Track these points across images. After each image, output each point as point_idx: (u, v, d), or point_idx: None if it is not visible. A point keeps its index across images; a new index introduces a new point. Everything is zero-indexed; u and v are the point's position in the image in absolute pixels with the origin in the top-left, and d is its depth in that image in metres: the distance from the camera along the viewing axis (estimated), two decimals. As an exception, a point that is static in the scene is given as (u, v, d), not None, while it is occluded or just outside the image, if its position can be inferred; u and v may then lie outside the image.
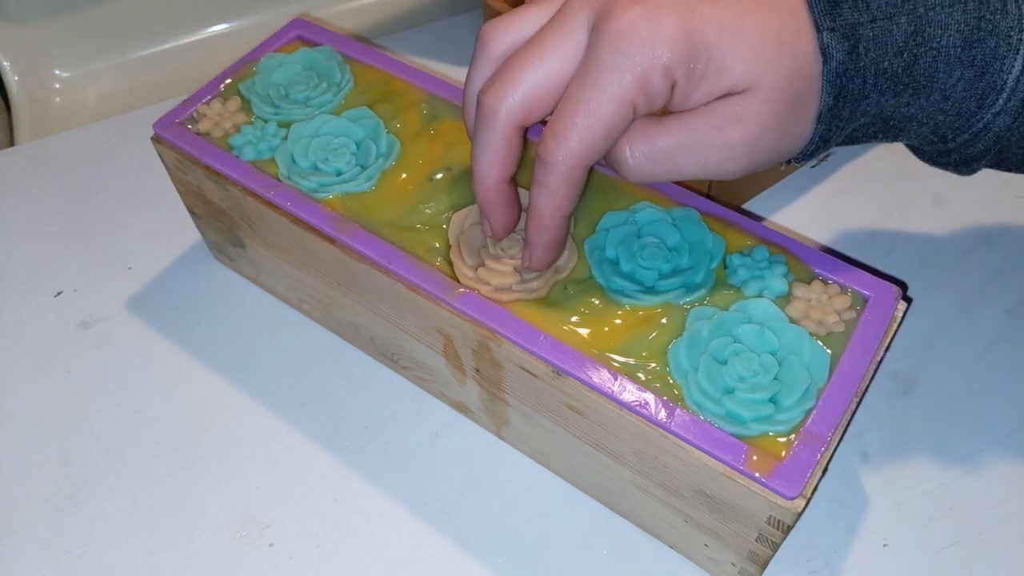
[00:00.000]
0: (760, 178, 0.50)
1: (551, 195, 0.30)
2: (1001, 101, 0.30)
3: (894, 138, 0.32)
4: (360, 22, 0.69)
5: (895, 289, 0.34)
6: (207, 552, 0.38)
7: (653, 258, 0.34)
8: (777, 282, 0.34)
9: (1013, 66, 0.29)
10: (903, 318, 0.34)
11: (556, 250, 0.33)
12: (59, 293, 0.49)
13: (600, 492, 0.38)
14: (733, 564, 0.35)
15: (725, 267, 0.35)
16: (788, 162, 0.31)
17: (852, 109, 0.30)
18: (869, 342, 0.32)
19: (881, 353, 0.33)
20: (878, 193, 0.51)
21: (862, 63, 0.28)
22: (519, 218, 0.34)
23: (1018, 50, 0.29)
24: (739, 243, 0.36)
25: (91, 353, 0.46)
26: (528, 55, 0.30)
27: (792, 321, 0.33)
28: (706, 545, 0.35)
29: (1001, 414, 0.42)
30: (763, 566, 0.34)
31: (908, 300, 0.46)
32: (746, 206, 0.51)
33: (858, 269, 0.34)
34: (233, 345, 0.45)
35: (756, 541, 0.32)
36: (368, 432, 0.42)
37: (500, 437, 0.41)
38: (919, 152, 0.34)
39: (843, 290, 0.34)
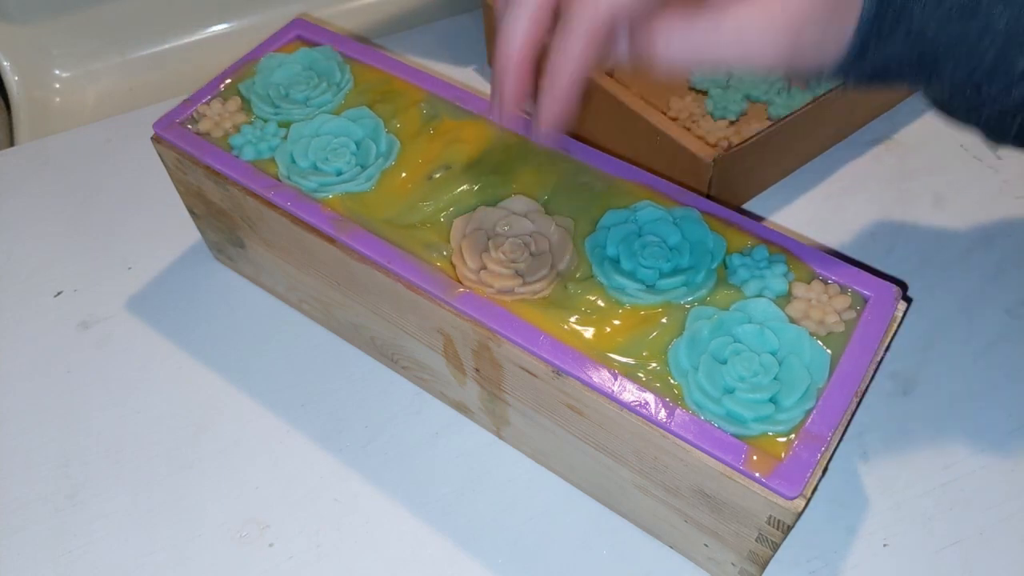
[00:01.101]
0: (761, 178, 0.50)
1: (572, 53, 0.29)
2: None
3: (927, 78, 0.31)
4: (360, 22, 0.69)
5: (895, 289, 0.34)
6: (207, 552, 0.38)
7: (654, 257, 0.34)
8: (777, 282, 0.34)
9: None
10: (903, 318, 0.34)
11: (564, 112, 0.31)
12: (59, 293, 0.49)
13: (600, 492, 0.38)
14: (733, 564, 0.35)
15: (725, 267, 0.35)
16: (827, 77, 0.30)
17: (894, 20, 0.29)
18: (869, 342, 0.32)
19: (881, 353, 0.33)
20: (878, 193, 0.51)
21: None
22: (527, 96, 0.32)
23: None
24: (739, 243, 0.36)
25: (91, 353, 0.46)
26: None
27: (792, 321, 0.33)
28: (706, 545, 0.35)
29: (1001, 414, 0.42)
30: (763, 566, 0.34)
31: (908, 300, 0.46)
32: (746, 206, 0.51)
33: (858, 269, 0.34)
34: (233, 345, 0.45)
35: (756, 541, 0.32)
36: (368, 432, 0.42)
37: (500, 437, 0.41)
38: (949, 107, 0.33)
39: (843, 290, 0.34)
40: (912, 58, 0.30)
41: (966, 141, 0.53)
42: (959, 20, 0.29)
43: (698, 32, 0.28)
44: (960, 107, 0.33)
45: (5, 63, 0.65)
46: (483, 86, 0.58)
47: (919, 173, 0.52)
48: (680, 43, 0.28)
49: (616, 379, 0.32)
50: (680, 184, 0.38)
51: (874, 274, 0.34)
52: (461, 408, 0.42)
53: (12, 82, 0.65)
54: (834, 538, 0.38)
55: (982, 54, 0.30)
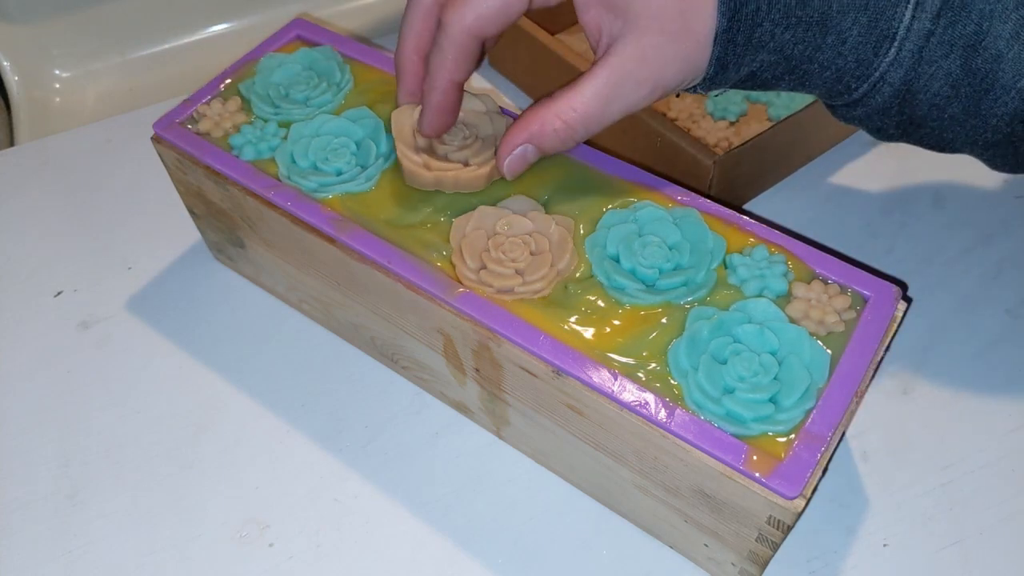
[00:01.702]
0: (761, 178, 0.50)
1: (443, 57, 0.34)
2: (894, 50, 0.31)
3: (801, 84, 0.34)
4: (360, 22, 0.69)
5: (895, 289, 0.34)
6: (207, 552, 0.38)
7: (654, 257, 0.34)
8: (777, 282, 0.34)
9: (904, 14, 0.31)
10: (903, 318, 0.34)
11: (445, 117, 0.37)
12: (59, 293, 0.49)
13: (600, 492, 0.38)
14: (733, 564, 0.35)
15: (725, 267, 0.35)
16: (693, 90, 0.34)
17: (747, 36, 0.31)
18: (869, 342, 0.32)
19: (881, 353, 0.33)
20: (878, 193, 0.51)
21: None
22: (450, 125, 0.38)
23: (908, 1, 0.31)
24: (739, 243, 0.36)
25: (91, 353, 0.46)
26: None
27: (792, 321, 0.33)
28: (706, 545, 0.35)
29: (1001, 414, 0.42)
30: (763, 566, 0.34)
31: (908, 300, 0.46)
32: (746, 206, 0.51)
33: (858, 269, 0.34)
34: (233, 345, 0.45)
35: (756, 541, 0.32)
36: (368, 432, 0.42)
37: (500, 437, 0.41)
38: (832, 108, 0.36)
39: (843, 290, 0.34)
40: (779, 68, 0.33)
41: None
42: (814, 36, 0.32)
43: (585, 117, 0.33)
44: (839, 107, 0.35)
45: (5, 63, 0.65)
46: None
47: (919, 173, 0.52)
48: (566, 127, 0.34)
49: (616, 379, 0.32)
50: (680, 183, 0.38)
51: (874, 274, 0.34)
52: (461, 408, 0.42)
53: (12, 82, 0.65)
54: (834, 538, 0.38)
55: (842, 63, 0.32)
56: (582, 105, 0.33)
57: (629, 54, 0.32)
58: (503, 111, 0.40)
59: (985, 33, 0.31)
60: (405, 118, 0.39)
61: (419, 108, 0.39)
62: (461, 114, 0.39)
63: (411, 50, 0.37)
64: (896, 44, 0.31)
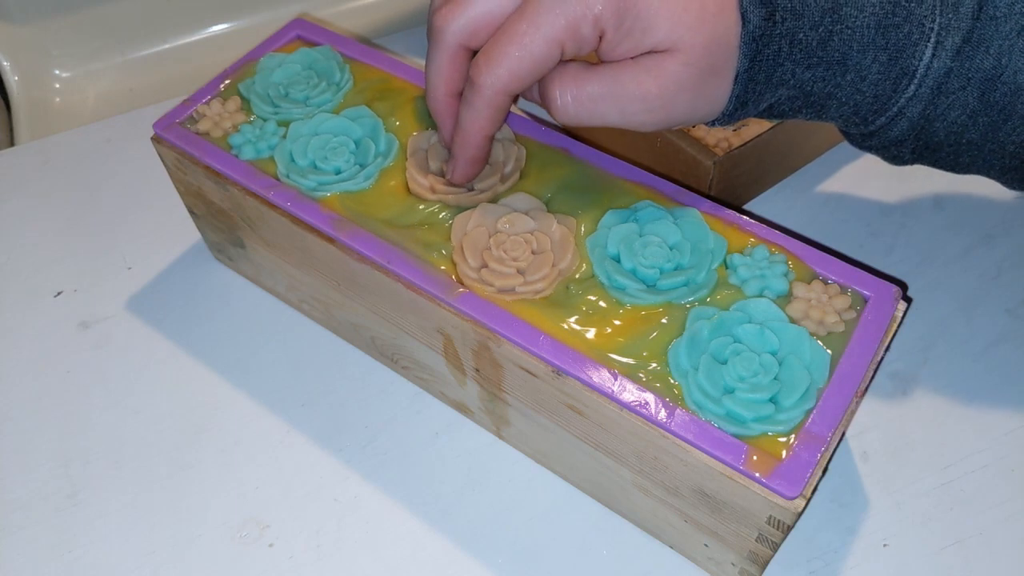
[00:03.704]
0: (761, 179, 0.50)
1: (476, 115, 0.33)
2: (913, 87, 0.32)
3: (818, 116, 0.34)
4: (360, 22, 0.69)
5: (895, 289, 0.34)
6: (207, 552, 0.38)
7: (655, 257, 0.34)
8: (777, 282, 0.34)
9: (924, 53, 0.31)
10: (903, 318, 0.34)
11: (476, 167, 0.36)
12: (59, 293, 0.49)
13: (600, 492, 0.38)
14: (733, 564, 0.35)
15: (726, 267, 0.35)
16: (712, 124, 0.34)
17: (768, 75, 0.32)
18: (869, 342, 0.32)
19: (881, 353, 0.33)
20: (878, 193, 0.51)
21: (778, 30, 0.31)
22: (480, 171, 0.37)
23: (930, 38, 0.31)
24: (740, 243, 0.36)
25: (91, 353, 0.46)
26: None
27: (792, 321, 0.33)
28: (706, 545, 0.35)
29: (1001, 414, 0.42)
30: (763, 566, 0.34)
31: (908, 300, 0.46)
32: (747, 206, 0.51)
33: (858, 269, 0.34)
34: (233, 345, 0.45)
35: (756, 541, 0.32)
36: (368, 432, 0.42)
37: (500, 437, 0.41)
38: (847, 135, 0.36)
39: (843, 290, 0.34)
40: (798, 102, 0.33)
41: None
42: (833, 75, 0.32)
43: (586, 97, 0.32)
44: (854, 136, 0.36)
45: (5, 63, 0.65)
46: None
47: (919, 173, 0.52)
48: (571, 102, 0.33)
49: (616, 379, 0.32)
50: (679, 183, 0.38)
51: (874, 274, 0.34)
52: (461, 408, 0.42)
53: (12, 82, 0.65)
54: (834, 538, 0.38)
55: (860, 99, 0.33)
56: (583, 94, 0.32)
57: (647, 71, 0.31)
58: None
59: (1004, 68, 0.31)
60: (421, 142, 0.39)
61: (434, 133, 0.40)
62: None
63: (444, 94, 0.35)
64: (916, 81, 0.31)
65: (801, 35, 0.31)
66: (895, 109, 0.32)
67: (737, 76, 0.31)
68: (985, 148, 0.33)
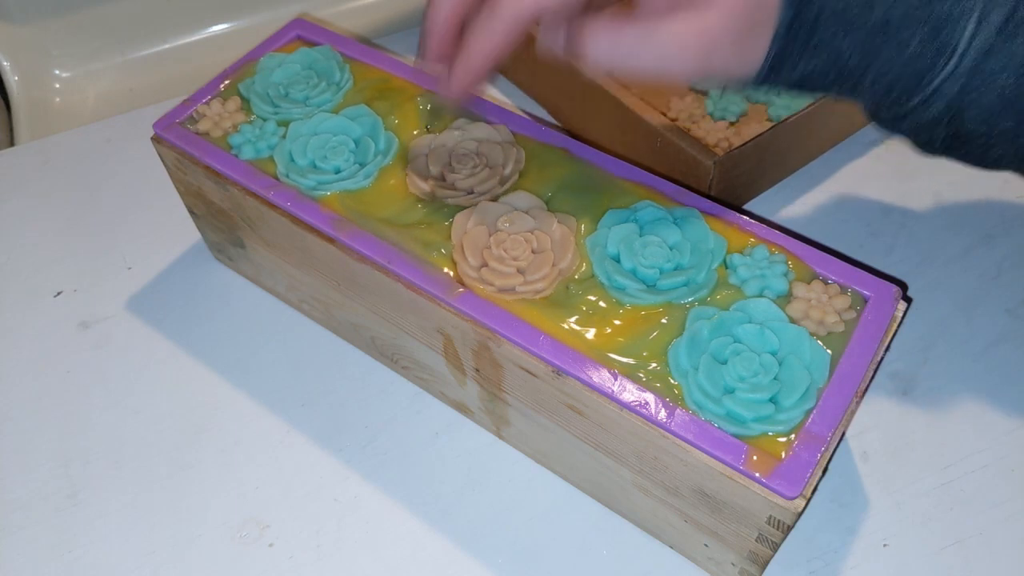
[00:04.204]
0: (761, 179, 0.50)
1: (490, 37, 0.31)
2: (952, 64, 0.31)
3: (852, 91, 0.33)
4: (360, 22, 0.69)
5: (895, 289, 0.34)
6: (207, 552, 0.38)
7: (655, 257, 0.34)
8: (777, 282, 0.34)
9: (966, 28, 0.30)
10: (903, 318, 0.34)
11: (472, 83, 0.34)
12: (59, 293, 0.49)
13: (600, 492, 0.38)
14: (733, 564, 0.35)
15: (726, 266, 0.35)
16: (739, 86, 0.33)
17: (807, 37, 0.31)
18: (869, 342, 0.32)
19: (881, 353, 0.33)
20: (878, 193, 0.51)
21: None
22: (451, 54, 0.34)
23: (972, 14, 0.30)
24: (740, 243, 0.36)
25: (91, 353, 0.46)
26: None
27: (792, 321, 0.33)
28: (706, 545, 0.35)
29: (1001, 414, 0.42)
30: (763, 566, 0.34)
31: (908, 300, 0.46)
32: (747, 206, 0.51)
33: (858, 269, 0.34)
34: (233, 345, 0.45)
35: (756, 541, 0.32)
36: (368, 432, 0.42)
37: (500, 437, 0.41)
38: (877, 117, 0.35)
39: (843, 290, 0.34)
40: (831, 75, 0.32)
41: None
42: (872, 44, 0.31)
43: (623, 42, 0.31)
44: (885, 118, 0.34)
45: (5, 63, 0.65)
46: (482, 86, 0.58)
47: (919, 173, 0.52)
48: (606, 49, 0.31)
49: (616, 379, 0.32)
50: (679, 183, 0.38)
51: (874, 274, 0.34)
52: (461, 408, 0.42)
53: (12, 82, 0.65)
54: (834, 538, 0.38)
55: (898, 73, 0.31)
56: (619, 41, 0.31)
57: (686, 22, 0.30)
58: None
59: None
60: (421, 147, 0.39)
61: (435, 137, 0.39)
62: (474, 143, 0.39)
63: (451, 13, 0.33)
64: (956, 57, 0.31)
65: (840, 5, 0.30)
66: (931, 87, 0.31)
67: (776, 35, 0.31)
68: (1018, 141, 0.32)
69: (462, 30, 0.33)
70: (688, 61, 0.31)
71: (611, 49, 0.31)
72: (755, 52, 0.31)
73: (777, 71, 0.32)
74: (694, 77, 0.31)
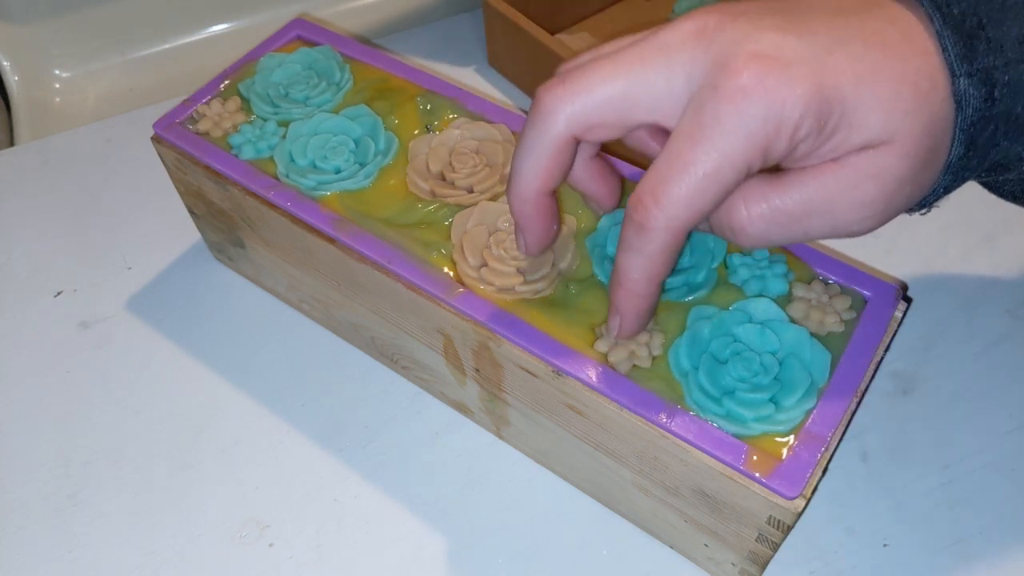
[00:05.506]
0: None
1: (649, 263, 0.27)
2: None
3: (995, 177, 0.30)
4: (360, 22, 0.69)
5: (895, 289, 0.34)
6: (207, 552, 0.38)
7: (653, 258, 0.34)
8: (777, 282, 0.34)
9: None
10: (903, 318, 0.34)
11: (648, 317, 0.30)
12: (59, 293, 0.49)
13: (600, 492, 0.38)
14: (733, 564, 0.35)
15: (726, 266, 0.35)
16: (909, 212, 0.30)
17: (981, 158, 0.28)
18: (869, 342, 0.32)
19: (881, 353, 0.33)
20: (878, 193, 0.51)
21: (996, 110, 0.26)
22: (557, 234, 0.32)
23: None
24: (739, 243, 0.35)
25: (91, 353, 0.46)
26: (608, 65, 0.26)
27: (793, 321, 0.33)
28: (706, 545, 0.35)
29: (1001, 414, 0.42)
30: (763, 566, 0.34)
31: (908, 300, 0.46)
32: (746, 206, 0.50)
33: (858, 269, 0.34)
34: (233, 345, 0.45)
35: (756, 541, 0.32)
36: (368, 432, 0.42)
37: (500, 437, 0.41)
38: (994, 188, 0.32)
39: (843, 290, 0.34)
40: (992, 173, 0.30)
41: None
42: None
43: (782, 212, 0.27)
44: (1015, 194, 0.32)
45: (5, 63, 0.65)
46: (483, 86, 0.58)
47: (919, 173, 0.51)
48: (762, 223, 0.27)
49: (616, 379, 0.32)
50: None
51: (874, 274, 0.34)
52: (461, 408, 0.42)
53: (12, 82, 0.65)
54: (834, 538, 0.38)
55: None
56: (777, 212, 0.26)
57: (862, 173, 0.26)
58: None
59: None
60: (422, 146, 0.39)
61: (435, 137, 0.39)
62: (474, 143, 0.39)
63: (538, 192, 0.29)
64: None
65: (1018, 109, 0.26)
66: None
67: (949, 165, 0.27)
68: None
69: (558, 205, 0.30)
70: (868, 220, 0.27)
71: (770, 222, 0.27)
72: (928, 185, 0.28)
73: (947, 192, 0.29)
74: (874, 229, 0.28)
